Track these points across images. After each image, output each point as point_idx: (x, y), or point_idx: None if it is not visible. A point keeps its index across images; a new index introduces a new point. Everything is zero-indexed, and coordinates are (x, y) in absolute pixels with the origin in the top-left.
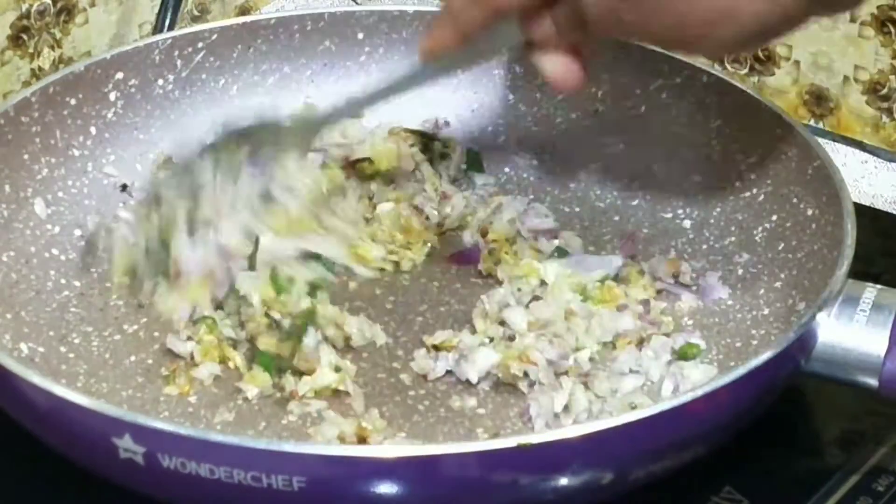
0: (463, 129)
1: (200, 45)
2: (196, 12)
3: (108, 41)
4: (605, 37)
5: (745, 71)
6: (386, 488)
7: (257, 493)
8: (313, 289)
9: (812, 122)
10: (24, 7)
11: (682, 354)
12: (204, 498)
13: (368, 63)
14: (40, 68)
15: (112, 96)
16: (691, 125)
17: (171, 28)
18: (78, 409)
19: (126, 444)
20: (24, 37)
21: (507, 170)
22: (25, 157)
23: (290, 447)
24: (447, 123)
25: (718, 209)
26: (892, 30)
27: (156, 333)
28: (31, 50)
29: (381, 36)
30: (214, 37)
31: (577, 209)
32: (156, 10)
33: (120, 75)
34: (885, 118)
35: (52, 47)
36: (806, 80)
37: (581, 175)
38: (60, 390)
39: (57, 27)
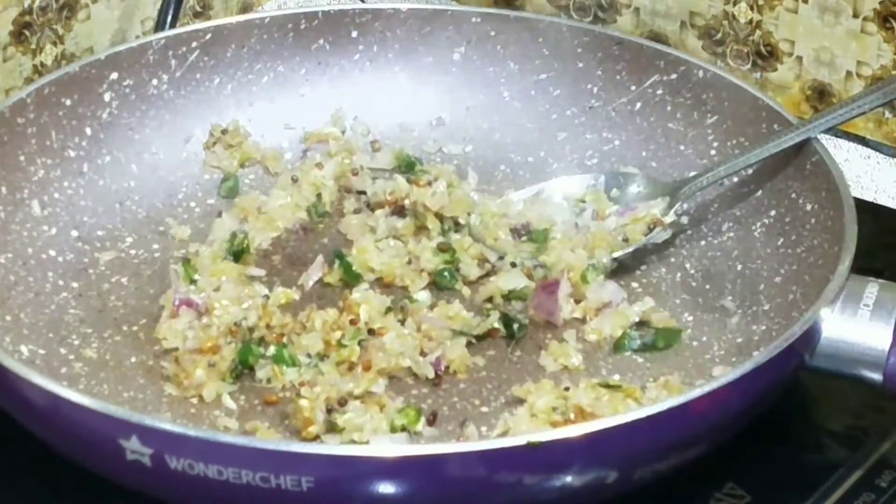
0: (458, 126)
1: (194, 44)
2: (198, 8)
3: (110, 37)
4: None
5: (748, 66)
6: (395, 488)
7: (265, 493)
8: None
9: None
10: (27, 3)
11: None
12: (211, 499)
13: (362, 61)
14: (42, 64)
15: (107, 97)
16: (687, 121)
17: (173, 24)
18: (84, 411)
19: (133, 446)
20: (27, 33)
21: (502, 167)
22: (21, 158)
23: (298, 447)
24: (442, 121)
25: (716, 205)
26: (895, 25)
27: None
28: (33, 46)
29: (375, 34)
30: (208, 36)
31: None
32: (158, 5)
33: (114, 75)
34: (887, 114)
35: (55, 43)
36: (808, 75)
37: (577, 172)
38: (67, 393)
39: (59, 23)
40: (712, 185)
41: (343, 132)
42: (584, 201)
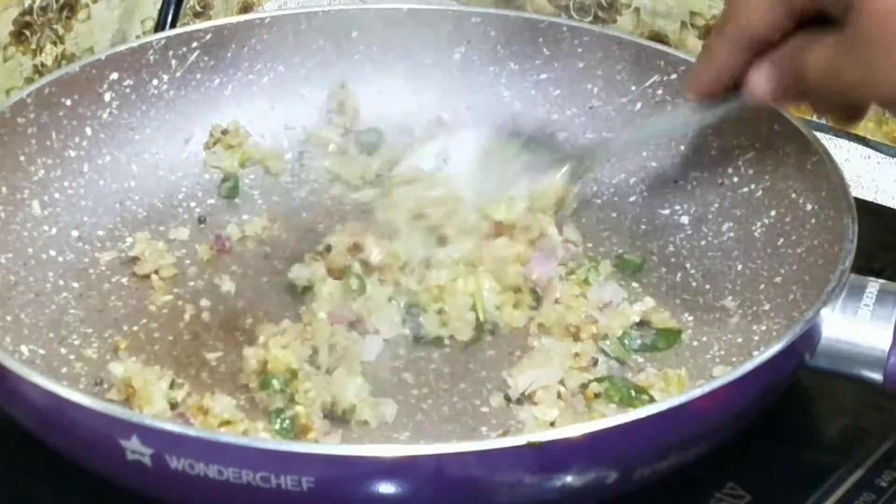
0: (458, 126)
1: (195, 44)
2: (198, 8)
3: (110, 37)
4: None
5: None
6: (395, 488)
7: (266, 493)
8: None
9: (815, 118)
10: (27, 3)
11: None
12: (212, 499)
13: (363, 62)
14: (43, 64)
15: (107, 97)
16: None
17: (173, 24)
18: (85, 412)
19: (133, 446)
20: (27, 33)
21: None
22: (22, 158)
23: (299, 447)
24: (442, 121)
25: (716, 205)
26: None
27: (156, 335)
28: (33, 46)
29: (376, 34)
30: (209, 36)
31: (574, 205)
32: (158, 5)
33: (115, 75)
34: (887, 114)
35: (55, 43)
36: None
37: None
38: (67, 392)
39: (59, 23)
40: (623, 152)
41: (343, 132)
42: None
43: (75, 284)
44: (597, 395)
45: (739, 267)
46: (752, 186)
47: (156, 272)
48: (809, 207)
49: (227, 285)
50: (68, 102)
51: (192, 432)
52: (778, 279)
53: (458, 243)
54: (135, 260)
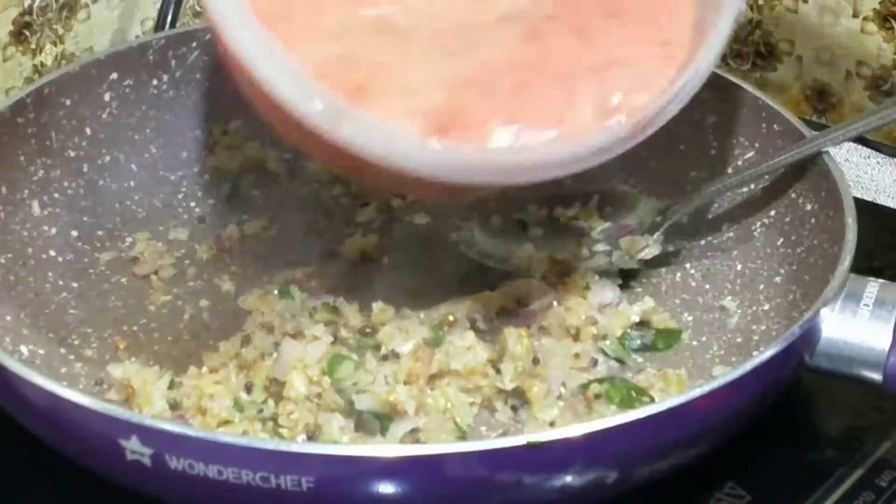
0: None
1: (195, 44)
2: (198, 8)
3: (110, 37)
4: None
5: (748, 66)
6: (395, 488)
7: (266, 493)
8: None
9: (815, 118)
10: (27, 3)
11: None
12: (211, 499)
13: None
14: (42, 64)
15: (107, 97)
16: (687, 121)
17: (173, 24)
18: (84, 412)
19: (133, 446)
20: (27, 32)
21: None
22: (21, 158)
23: (299, 447)
24: None
25: (716, 205)
26: (895, 25)
27: (156, 335)
28: (33, 46)
29: None
30: (209, 36)
31: (575, 206)
32: (158, 5)
33: (114, 75)
34: None
35: (55, 43)
36: (808, 75)
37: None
38: (67, 393)
39: (59, 23)
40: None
41: None
42: (576, 219)
43: (75, 284)
44: (597, 396)
45: (739, 267)
46: (752, 186)
47: (155, 272)
48: (809, 207)
49: (227, 285)
50: (68, 102)
51: (191, 432)
52: (778, 279)
53: None
54: (135, 260)
